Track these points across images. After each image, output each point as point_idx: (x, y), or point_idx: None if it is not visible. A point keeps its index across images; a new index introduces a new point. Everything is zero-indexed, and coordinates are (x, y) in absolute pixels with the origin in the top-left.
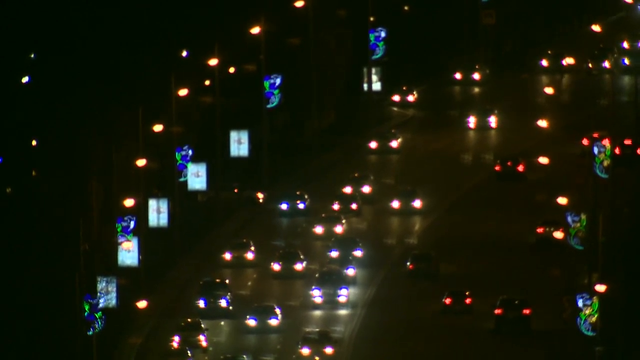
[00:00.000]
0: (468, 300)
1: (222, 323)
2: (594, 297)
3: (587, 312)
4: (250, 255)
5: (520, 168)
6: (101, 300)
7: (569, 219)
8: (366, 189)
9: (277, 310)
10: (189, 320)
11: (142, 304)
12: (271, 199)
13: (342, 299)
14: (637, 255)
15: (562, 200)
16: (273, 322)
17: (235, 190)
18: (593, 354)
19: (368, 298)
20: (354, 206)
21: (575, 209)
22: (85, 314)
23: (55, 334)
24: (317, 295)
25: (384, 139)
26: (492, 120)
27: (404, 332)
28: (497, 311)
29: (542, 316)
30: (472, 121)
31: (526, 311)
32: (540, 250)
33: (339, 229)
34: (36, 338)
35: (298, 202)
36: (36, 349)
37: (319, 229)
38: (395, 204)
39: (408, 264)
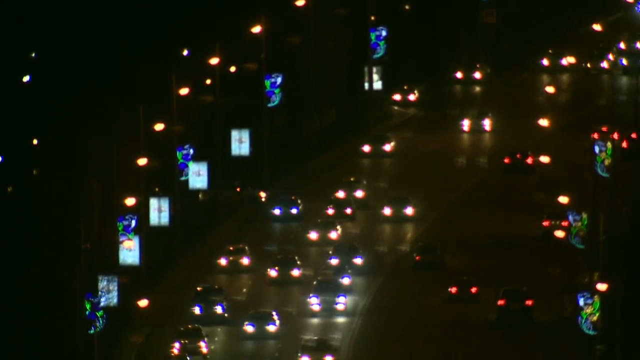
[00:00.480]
0: (474, 289)
1: (219, 329)
2: (595, 296)
3: (588, 311)
4: (245, 261)
5: (529, 160)
6: (102, 299)
7: (570, 217)
8: (360, 194)
9: (275, 317)
10: (189, 326)
11: (143, 302)
12: (272, 198)
13: (340, 307)
14: (637, 254)
15: (563, 199)
16: (271, 328)
17: (237, 189)
18: (594, 353)
19: (366, 304)
20: (348, 211)
21: (576, 208)
22: (87, 312)
23: (56, 333)
24: (314, 303)
25: (377, 142)
26: (486, 123)
27: (404, 332)
28: (499, 302)
29: (543, 315)
30: (466, 124)
31: (528, 302)
32: (546, 242)
33: (333, 235)
34: (37, 337)
35: (291, 207)
36: (37, 348)
37: (313, 235)
38: (387, 211)
39: (414, 255)
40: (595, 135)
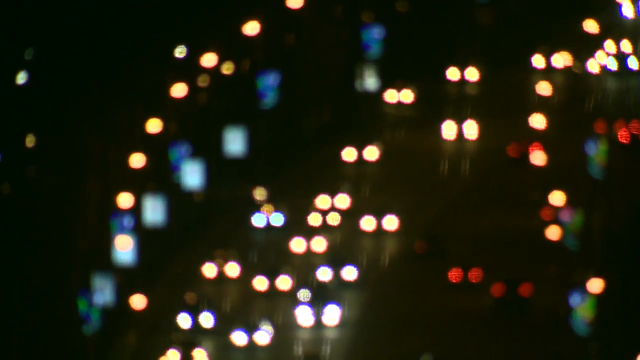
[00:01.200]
0: (474, 276)
1: (207, 340)
2: (590, 295)
3: (583, 309)
4: (232, 269)
5: (537, 152)
6: (97, 299)
7: (565, 216)
8: (346, 202)
9: (265, 327)
10: (183, 334)
11: (138, 302)
12: (260, 203)
13: (331, 318)
14: (632, 252)
15: (558, 198)
16: (261, 338)
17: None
18: (587, 351)
19: (359, 313)
20: (333, 219)
21: (572, 206)
22: (81, 311)
23: (50, 332)
24: (304, 314)
25: (366, 144)
26: (469, 128)
27: (401, 333)
28: (496, 292)
29: (539, 315)
30: (449, 128)
31: (525, 293)
32: (544, 236)
33: (320, 244)
34: (31, 336)
35: (275, 215)
36: (31, 347)
37: (298, 244)
38: (371, 222)
39: (415, 246)
40: (597, 128)
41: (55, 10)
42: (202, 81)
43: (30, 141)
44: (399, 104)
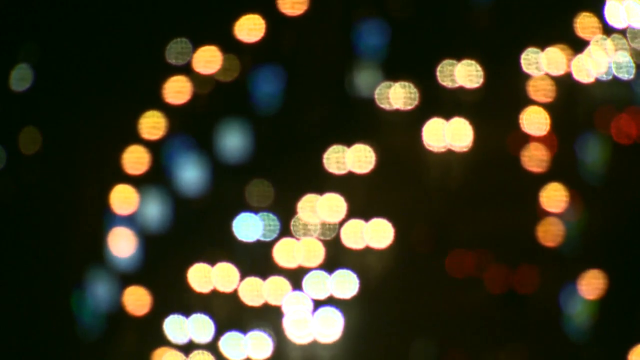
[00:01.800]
0: (473, 268)
1: (200, 353)
2: (589, 296)
3: (580, 312)
4: (224, 276)
5: (536, 150)
6: (94, 300)
7: (565, 216)
8: (338, 209)
9: (260, 338)
10: (190, 339)
11: (134, 303)
12: (251, 208)
13: (326, 331)
14: (630, 255)
15: (557, 196)
16: (256, 351)
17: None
18: (586, 354)
19: (355, 322)
20: (323, 229)
21: (571, 207)
22: (77, 313)
23: (45, 333)
24: (299, 325)
25: (360, 148)
26: (466, 127)
27: (399, 338)
28: (493, 290)
29: (536, 316)
30: (435, 136)
31: (524, 290)
32: (546, 232)
33: (310, 254)
34: (26, 338)
35: (263, 220)
36: (27, 349)
37: (287, 255)
38: (358, 235)
39: (414, 239)
40: (598, 126)
41: (56, 9)
42: (201, 81)
43: (27, 140)
44: (396, 105)
